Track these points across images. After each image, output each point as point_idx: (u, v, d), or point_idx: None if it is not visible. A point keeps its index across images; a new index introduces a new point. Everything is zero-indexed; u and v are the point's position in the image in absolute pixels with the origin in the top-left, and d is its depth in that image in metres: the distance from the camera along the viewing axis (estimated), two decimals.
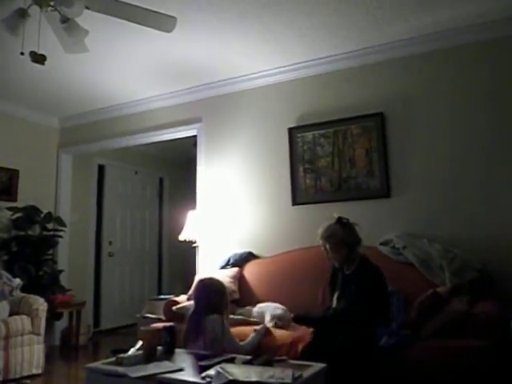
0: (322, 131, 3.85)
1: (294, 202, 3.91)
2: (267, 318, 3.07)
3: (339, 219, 2.73)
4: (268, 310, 3.15)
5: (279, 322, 2.97)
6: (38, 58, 2.51)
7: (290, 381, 1.77)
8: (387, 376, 2.35)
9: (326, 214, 3.53)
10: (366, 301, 2.50)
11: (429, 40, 3.49)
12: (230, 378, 1.79)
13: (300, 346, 2.56)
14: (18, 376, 3.56)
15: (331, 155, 3.80)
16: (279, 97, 4.12)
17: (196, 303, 2.59)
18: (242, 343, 2.53)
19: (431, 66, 3.53)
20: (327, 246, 2.71)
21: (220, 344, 2.39)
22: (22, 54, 2.42)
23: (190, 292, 3.59)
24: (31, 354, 3.70)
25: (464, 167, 3.33)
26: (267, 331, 2.78)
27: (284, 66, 4.02)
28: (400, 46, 3.60)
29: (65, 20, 2.35)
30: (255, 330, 2.68)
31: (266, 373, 1.84)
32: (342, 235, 2.67)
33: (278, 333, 2.87)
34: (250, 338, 2.61)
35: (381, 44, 3.63)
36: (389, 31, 3.45)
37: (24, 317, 3.74)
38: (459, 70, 3.43)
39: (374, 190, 3.60)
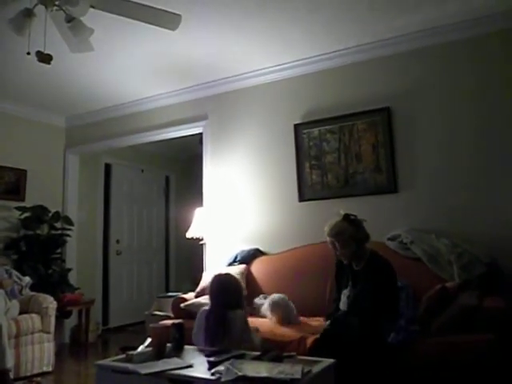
0: (328, 127, 3.83)
1: (301, 199, 3.91)
2: (265, 305, 3.15)
3: (346, 216, 2.72)
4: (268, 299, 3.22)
5: (275, 307, 3.01)
6: (44, 58, 2.52)
7: (299, 376, 1.77)
8: (396, 372, 2.34)
9: (333, 210, 3.52)
10: (376, 297, 2.49)
11: (436, 33, 3.46)
12: (240, 373, 1.80)
13: (309, 342, 2.56)
14: (28, 374, 3.59)
15: (337, 151, 3.78)
16: (284, 93, 4.11)
17: (215, 299, 2.54)
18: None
19: (438, 60, 3.50)
20: (336, 244, 2.70)
21: (244, 340, 2.39)
22: (28, 53, 2.43)
23: (199, 288, 3.61)
24: (41, 352, 3.73)
25: (472, 161, 3.31)
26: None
27: (289, 62, 4.01)
28: (406, 40, 3.57)
29: (70, 19, 2.36)
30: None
31: (276, 368, 1.85)
32: (350, 232, 2.66)
33: (286, 329, 2.88)
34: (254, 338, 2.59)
35: (386, 38, 3.61)
36: (394, 25, 3.42)
37: (34, 315, 3.77)
38: (467, 63, 3.40)
39: (381, 185, 3.58)
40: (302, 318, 3.14)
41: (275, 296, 3.20)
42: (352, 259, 2.71)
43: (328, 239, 2.74)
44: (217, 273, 2.72)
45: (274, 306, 3.09)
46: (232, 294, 2.53)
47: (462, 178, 3.33)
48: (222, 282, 2.60)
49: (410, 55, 3.60)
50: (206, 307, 2.62)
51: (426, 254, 3.13)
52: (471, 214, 3.25)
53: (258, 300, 3.44)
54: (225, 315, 2.43)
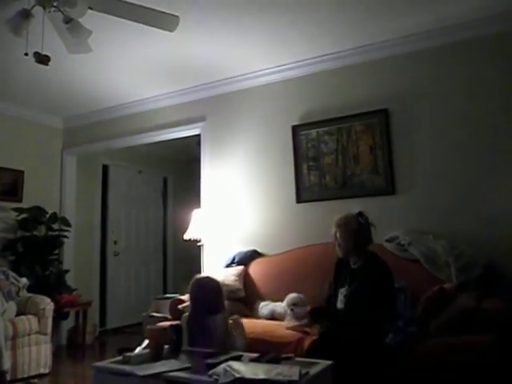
0: (325, 128, 3.84)
1: (299, 200, 3.91)
2: (283, 304, 3.12)
3: (359, 213, 2.73)
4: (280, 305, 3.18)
5: (294, 307, 2.97)
6: (42, 59, 2.52)
7: (297, 378, 1.77)
8: (394, 373, 2.34)
9: (331, 211, 3.54)
10: (372, 295, 2.49)
11: (433, 36, 3.48)
12: (237, 375, 1.79)
13: (306, 344, 2.56)
14: (25, 375, 3.58)
15: (335, 152, 3.79)
16: (283, 94, 4.12)
17: (195, 304, 2.50)
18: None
19: (435, 62, 3.51)
20: (337, 234, 2.71)
21: (226, 344, 2.38)
22: (26, 54, 2.43)
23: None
24: (38, 354, 3.72)
25: (469, 163, 3.32)
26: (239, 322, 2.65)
27: (287, 64, 4.02)
28: (404, 42, 3.58)
29: (68, 20, 2.36)
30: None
31: (274, 370, 1.84)
32: (354, 227, 2.67)
33: (285, 331, 2.87)
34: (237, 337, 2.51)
35: (384, 40, 3.62)
36: (392, 27, 3.43)
37: (31, 317, 3.76)
38: (464, 66, 3.41)
39: (379, 187, 3.59)
40: None
41: (292, 296, 3.13)
42: (348, 255, 2.71)
43: (333, 229, 2.74)
44: (196, 276, 2.64)
45: (294, 306, 3.03)
46: (212, 299, 2.47)
47: (459, 179, 3.34)
48: (202, 286, 2.52)
49: (408, 57, 3.61)
50: (186, 314, 2.56)
51: (424, 256, 3.13)
52: (469, 215, 3.26)
53: (262, 305, 3.36)
54: (205, 321, 2.39)
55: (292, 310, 2.96)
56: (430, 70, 3.53)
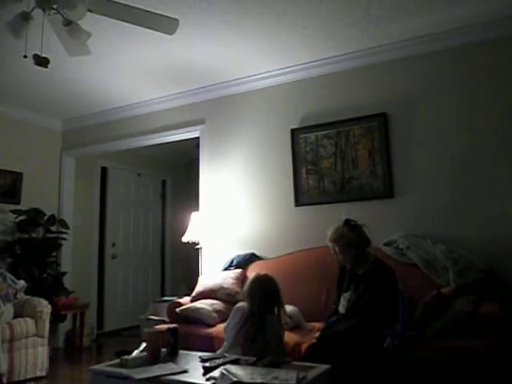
0: (324, 132, 3.84)
1: (297, 203, 3.91)
2: None
3: (347, 221, 2.74)
4: None
5: (289, 319, 2.94)
6: (41, 61, 2.52)
7: (294, 382, 1.76)
8: (392, 377, 2.34)
9: (329, 214, 3.57)
10: (377, 301, 2.50)
11: (432, 40, 3.49)
12: (235, 379, 1.79)
13: (304, 348, 2.55)
14: (22, 378, 3.57)
15: (334, 156, 3.79)
16: (282, 98, 4.12)
17: (256, 301, 2.44)
18: None
19: (435, 67, 3.52)
20: (336, 249, 2.72)
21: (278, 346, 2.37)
22: (25, 56, 2.43)
23: (195, 293, 3.59)
24: (35, 357, 3.71)
25: (468, 167, 3.32)
26: None
27: (286, 67, 4.03)
28: (403, 46, 3.60)
29: (67, 23, 2.36)
30: None
31: (271, 374, 1.84)
32: (350, 237, 2.68)
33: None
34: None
35: (383, 44, 3.63)
36: (391, 31, 3.45)
37: (28, 319, 3.75)
38: (462, 69, 3.43)
39: (377, 190, 3.59)
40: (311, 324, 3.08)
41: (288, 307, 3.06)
42: (353, 264, 2.72)
43: (329, 244, 2.76)
44: (257, 273, 2.62)
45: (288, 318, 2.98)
46: (272, 297, 2.47)
47: (458, 183, 3.34)
48: (265, 284, 2.50)
49: (407, 61, 3.62)
50: (242, 303, 2.56)
51: (422, 260, 3.13)
52: (467, 219, 3.26)
53: None
54: (264, 319, 2.38)
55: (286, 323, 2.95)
56: (429, 75, 3.54)
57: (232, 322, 2.51)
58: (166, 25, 2.60)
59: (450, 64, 3.47)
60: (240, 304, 2.60)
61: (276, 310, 2.49)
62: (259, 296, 2.46)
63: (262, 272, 2.68)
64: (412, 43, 3.56)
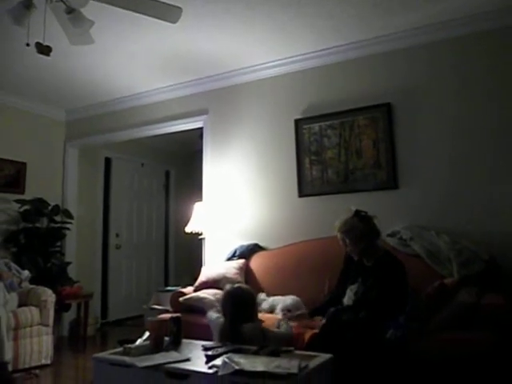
0: (328, 122, 3.82)
1: (301, 194, 3.90)
2: (277, 309, 3.05)
3: (357, 212, 2.72)
4: (280, 302, 3.12)
5: (288, 313, 2.95)
6: (44, 50, 2.51)
7: (296, 371, 1.77)
8: (394, 368, 2.34)
9: (333, 205, 3.56)
10: (386, 294, 2.50)
11: (437, 30, 3.45)
12: (237, 367, 1.80)
13: (306, 337, 2.56)
14: (27, 366, 3.60)
15: (338, 146, 3.77)
16: (286, 88, 4.10)
17: (228, 314, 2.52)
18: (279, 330, 2.56)
19: (439, 56, 3.48)
20: (346, 240, 2.70)
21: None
22: (27, 45, 2.42)
23: (198, 283, 3.61)
24: (40, 345, 3.74)
25: (472, 158, 3.30)
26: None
27: (291, 57, 3.99)
28: (407, 35, 3.56)
29: (70, 11, 2.35)
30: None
31: (273, 363, 1.85)
32: (360, 229, 2.67)
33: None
34: (283, 327, 2.62)
35: (388, 34, 3.59)
36: (396, 21, 3.41)
37: (33, 308, 3.78)
38: (467, 60, 3.39)
39: (381, 181, 3.58)
40: None
41: (287, 300, 3.07)
42: (362, 255, 2.71)
43: (338, 235, 2.74)
44: (229, 287, 2.65)
45: (288, 311, 2.97)
46: (245, 308, 2.50)
47: (462, 174, 3.32)
48: (235, 296, 2.54)
49: (412, 51, 3.58)
50: (217, 316, 2.61)
51: (426, 251, 3.12)
52: (471, 210, 3.24)
53: (270, 301, 3.29)
54: (238, 330, 2.41)
55: (285, 314, 2.94)
56: (432, 65, 3.50)
57: (214, 337, 2.55)
58: (169, 13, 2.58)
59: (452, 54, 3.43)
60: (213, 316, 2.66)
61: (251, 319, 2.50)
62: (230, 310, 2.50)
63: (236, 285, 2.71)
64: (417, 33, 3.51)
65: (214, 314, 2.68)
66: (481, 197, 3.23)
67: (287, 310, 2.97)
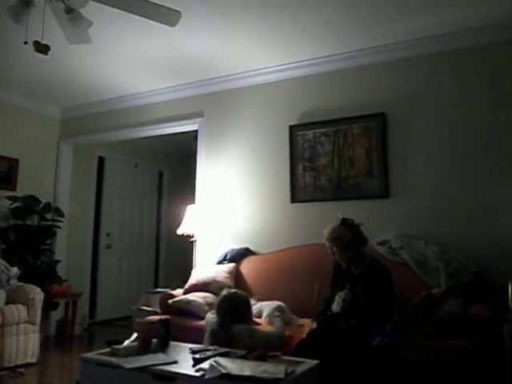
0: (322, 130, 3.85)
1: (293, 200, 3.92)
2: (264, 314, 3.06)
3: (344, 220, 2.74)
4: (266, 307, 3.13)
5: (277, 313, 2.95)
6: (42, 48, 2.52)
7: (282, 376, 1.78)
8: (380, 375, 2.36)
9: (325, 212, 3.58)
10: (373, 301, 2.52)
11: (433, 42, 3.50)
12: (224, 371, 1.81)
13: (294, 343, 2.57)
14: (12, 364, 3.57)
15: (331, 154, 3.80)
16: (281, 94, 4.12)
17: (221, 315, 2.61)
18: (271, 328, 2.66)
19: (435, 68, 3.53)
20: (334, 249, 2.73)
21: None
22: (25, 43, 2.42)
23: (188, 285, 3.61)
24: (26, 343, 3.71)
25: (463, 170, 3.34)
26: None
27: (287, 64, 4.02)
28: (404, 46, 3.60)
29: (69, 10, 2.35)
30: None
31: (260, 367, 1.86)
32: (348, 237, 2.69)
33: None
34: (276, 324, 2.71)
35: (384, 44, 3.63)
36: (394, 31, 3.45)
37: (20, 306, 3.75)
38: (462, 72, 3.43)
39: (373, 190, 3.61)
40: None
41: (274, 304, 3.10)
42: (350, 263, 2.73)
43: (326, 244, 2.76)
44: (225, 291, 2.77)
45: (278, 312, 3.00)
46: (238, 311, 2.58)
47: (453, 185, 3.36)
48: (230, 299, 2.65)
49: (410, 62, 3.62)
50: (213, 317, 2.68)
51: (415, 260, 3.15)
52: (461, 221, 3.28)
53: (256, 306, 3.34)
54: (230, 331, 2.46)
55: (270, 320, 2.97)
56: (429, 76, 3.54)
57: (205, 336, 2.61)
58: (168, 16, 2.59)
59: (449, 66, 3.48)
60: (209, 316, 2.74)
61: (243, 322, 2.57)
62: (223, 312, 2.59)
63: (232, 290, 2.82)
64: (413, 44, 3.56)
65: (211, 315, 2.75)
66: (471, 208, 3.27)
67: (277, 311, 2.98)
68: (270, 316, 2.94)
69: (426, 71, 3.56)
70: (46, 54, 2.54)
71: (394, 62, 3.68)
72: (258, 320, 2.97)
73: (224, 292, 2.74)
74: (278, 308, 3.01)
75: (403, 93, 3.62)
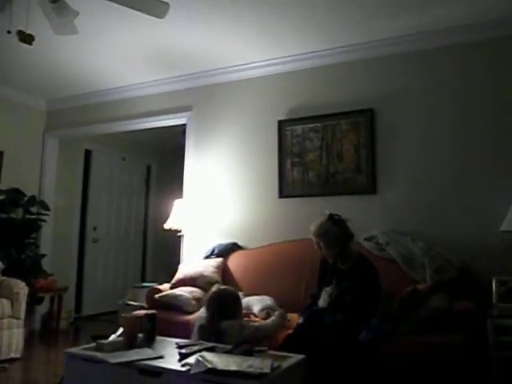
0: (311, 125, 3.85)
1: (281, 195, 3.92)
2: (256, 308, 3.05)
3: (331, 216, 2.75)
4: (256, 301, 3.13)
5: (272, 311, 2.95)
6: (26, 38, 2.47)
7: (268, 371, 1.78)
8: (366, 370, 2.38)
9: (313, 207, 3.59)
10: (360, 296, 2.54)
11: (422, 38, 3.51)
12: (210, 366, 1.80)
13: (280, 338, 2.58)
14: None
15: (320, 149, 3.81)
16: (271, 89, 4.11)
17: (209, 311, 2.60)
18: (264, 322, 2.68)
19: (423, 65, 3.54)
20: (321, 244, 2.74)
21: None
22: (8, 32, 2.37)
23: (175, 280, 3.60)
24: (10, 338, 3.67)
25: (451, 168, 3.37)
26: (285, 315, 2.84)
27: (277, 58, 4.01)
28: (393, 43, 3.61)
29: (54, 0, 2.31)
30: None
31: (246, 362, 1.85)
32: (334, 232, 2.70)
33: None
34: (273, 318, 2.73)
35: (373, 40, 3.63)
36: (382, 28, 3.45)
37: (4, 300, 3.70)
38: (451, 68, 3.45)
39: (361, 185, 3.62)
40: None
41: (267, 301, 3.10)
42: (337, 259, 2.75)
43: (313, 239, 2.77)
44: (215, 287, 2.76)
45: (271, 310, 2.99)
46: (227, 306, 2.57)
47: (440, 181, 3.39)
48: (219, 295, 2.64)
49: (398, 58, 3.63)
50: (203, 311, 2.69)
51: (401, 256, 3.18)
52: (447, 217, 3.31)
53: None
54: (218, 326, 2.45)
55: (268, 313, 2.97)
56: (418, 73, 3.55)
57: (193, 331, 2.61)
58: (155, 8, 2.56)
59: (441, 63, 3.49)
60: (201, 312, 2.74)
61: (232, 317, 2.56)
62: (212, 308, 2.58)
63: (222, 286, 2.83)
64: (403, 40, 3.57)
65: (202, 311, 2.74)
66: (457, 205, 3.30)
67: (269, 309, 2.98)
68: (268, 310, 2.95)
69: (417, 68, 3.56)
70: (30, 44, 2.49)
71: (384, 58, 3.67)
72: (251, 316, 2.98)
73: (214, 288, 2.75)
74: (270, 307, 3.02)
75: (392, 89, 3.62)
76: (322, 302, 2.77)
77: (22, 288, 3.84)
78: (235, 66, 4.18)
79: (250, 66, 4.13)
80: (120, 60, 4.12)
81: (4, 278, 3.92)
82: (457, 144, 3.37)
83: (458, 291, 2.80)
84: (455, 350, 2.32)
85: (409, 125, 3.54)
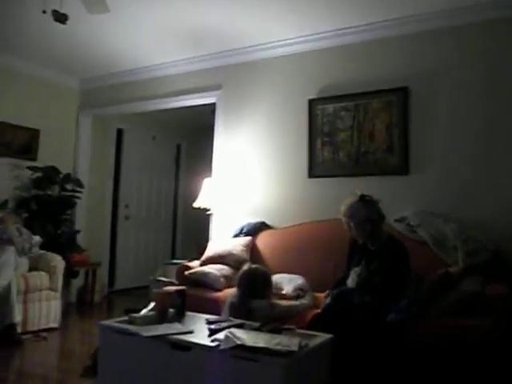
0: (343, 104, 3.77)
1: (310, 175, 3.89)
2: (287, 288, 3.05)
3: (362, 196, 2.72)
4: (286, 281, 3.14)
5: (302, 292, 2.97)
6: (60, 17, 2.50)
7: (296, 349, 1.80)
8: (393, 351, 2.38)
9: (343, 187, 3.55)
10: (390, 277, 2.52)
11: (457, 14, 3.35)
12: (238, 342, 1.83)
13: (309, 317, 2.60)
14: (35, 329, 3.71)
15: (351, 129, 3.74)
16: (301, 67, 4.04)
17: (240, 289, 2.65)
18: (294, 303, 2.72)
19: (459, 41, 3.40)
20: (351, 224, 2.72)
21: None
22: (44, 12, 2.41)
23: (204, 257, 3.65)
24: (48, 309, 3.85)
25: (485, 148, 3.25)
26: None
27: (307, 36, 3.92)
28: (427, 19, 3.46)
29: None
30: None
31: (274, 340, 1.88)
32: (365, 213, 2.67)
33: (287, 303, 2.91)
34: (304, 301, 2.77)
35: (407, 16, 3.50)
36: (417, 3, 3.31)
37: (42, 273, 3.87)
38: (487, 45, 3.30)
39: (393, 166, 3.55)
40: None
41: (298, 280, 3.09)
42: (367, 239, 2.73)
43: (343, 219, 2.75)
44: (246, 266, 2.81)
45: (301, 291, 3.00)
46: (257, 285, 2.61)
47: (473, 163, 3.28)
48: (249, 274, 2.68)
49: (433, 35, 3.49)
50: (234, 290, 2.73)
51: (432, 238, 3.12)
52: (481, 199, 3.22)
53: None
54: (248, 305, 2.49)
55: (299, 294, 2.98)
56: (454, 50, 3.41)
57: (224, 308, 2.67)
58: None
59: (475, 39, 3.34)
60: (232, 291, 2.78)
61: (263, 297, 2.60)
62: (243, 287, 2.63)
63: (253, 265, 2.86)
64: (437, 16, 3.41)
65: (234, 290, 2.79)
66: (492, 187, 3.20)
67: (300, 289, 3.00)
68: (299, 291, 2.96)
69: (451, 44, 3.42)
70: (64, 23, 2.53)
71: (418, 35, 3.54)
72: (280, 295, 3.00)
73: (245, 267, 2.79)
74: (302, 287, 3.03)
75: (426, 67, 3.50)
76: (350, 281, 2.76)
77: (58, 262, 4.00)
78: (265, 43, 4.12)
79: (280, 43, 4.06)
80: (150, 38, 4.12)
81: (42, 251, 4.09)
82: (496, 123, 3.23)
83: (490, 274, 2.74)
84: (487, 335, 2.28)
85: (443, 104, 3.42)
